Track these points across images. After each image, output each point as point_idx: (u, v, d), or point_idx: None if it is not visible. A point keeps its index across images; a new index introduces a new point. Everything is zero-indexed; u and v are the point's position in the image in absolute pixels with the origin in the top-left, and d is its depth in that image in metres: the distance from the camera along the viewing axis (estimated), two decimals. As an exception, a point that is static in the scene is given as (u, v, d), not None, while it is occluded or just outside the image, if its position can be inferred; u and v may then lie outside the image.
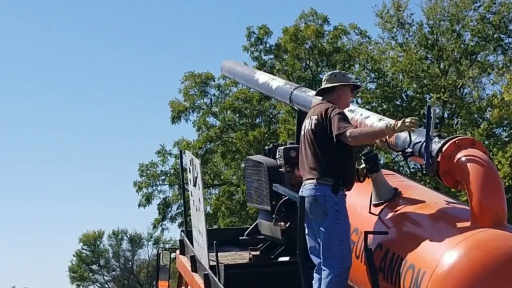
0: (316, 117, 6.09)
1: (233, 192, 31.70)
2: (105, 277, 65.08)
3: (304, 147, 6.19)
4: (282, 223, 7.35)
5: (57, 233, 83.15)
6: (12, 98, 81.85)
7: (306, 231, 6.05)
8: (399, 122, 5.76)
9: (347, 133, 5.81)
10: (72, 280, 64.58)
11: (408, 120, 5.73)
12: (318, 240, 5.97)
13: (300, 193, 6.07)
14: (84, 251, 64.84)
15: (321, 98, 6.42)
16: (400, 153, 6.31)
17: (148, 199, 33.28)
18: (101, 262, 64.69)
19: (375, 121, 6.74)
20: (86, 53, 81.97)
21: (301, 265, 5.93)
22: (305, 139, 6.18)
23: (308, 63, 30.89)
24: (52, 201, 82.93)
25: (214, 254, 7.38)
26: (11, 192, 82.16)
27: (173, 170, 32.80)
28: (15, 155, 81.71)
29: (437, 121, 29.13)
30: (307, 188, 5.98)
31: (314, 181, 5.95)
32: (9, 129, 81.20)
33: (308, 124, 6.18)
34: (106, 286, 65.05)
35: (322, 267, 5.91)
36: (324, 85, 6.33)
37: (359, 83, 6.84)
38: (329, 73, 6.46)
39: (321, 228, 5.91)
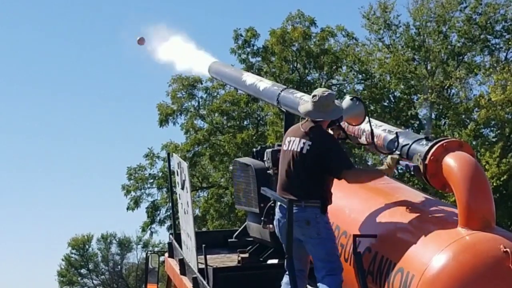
0: (310, 143, 5.98)
1: (221, 195, 31.67)
2: (94, 281, 64.93)
3: (287, 166, 6.09)
4: (271, 226, 7.33)
5: (45, 237, 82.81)
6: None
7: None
8: (391, 161, 5.98)
9: (351, 174, 5.94)
10: (61, 284, 64.41)
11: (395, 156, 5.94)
12: (311, 254, 6.07)
13: (278, 211, 6.10)
14: (73, 255, 64.67)
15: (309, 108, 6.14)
16: (387, 155, 6.31)
17: (136, 203, 33.21)
18: (90, 266, 64.54)
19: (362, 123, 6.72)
20: (73, 57, 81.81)
21: (289, 267, 5.93)
22: (290, 159, 6.07)
23: (295, 65, 30.90)
24: (40, 205, 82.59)
25: (202, 256, 7.37)
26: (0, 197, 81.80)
27: (161, 173, 32.74)
28: (1, 159, 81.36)
29: (425, 122, 29.24)
30: (294, 211, 5.87)
31: (302, 203, 5.94)
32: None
33: (296, 145, 6.05)
34: (95, 289, 64.87)
35: (323, 277, 5.92)
36: (332, 108, 6.10)
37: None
38: (328, 94, 6.12)
39: (316, 247, 5.99)
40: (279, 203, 6.17)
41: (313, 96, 6.12)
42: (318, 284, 5.97)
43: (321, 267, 5.96)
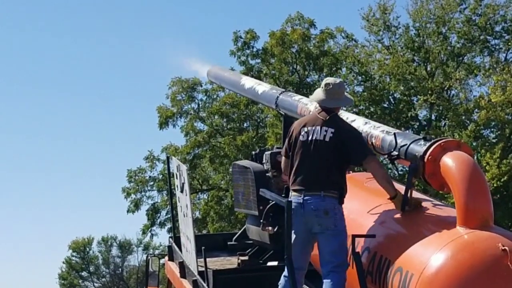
0: (333, 130, 5.98)
1: (221, 197, 31.66)
2: (95, 284, 64.98)
3: (307, 156, 6.03)
4: (270, 228, 7.36)
5: (46, 239, 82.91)
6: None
7: (294, 237, 6.02)
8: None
9: (375, 161, 6.00)
10: (62, 287, 64.43)
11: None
12: (321, 247, 5.99)
13: (293, 201, 5.98)
14: (73, 258, 64.72)
15: (319, 100, 6.22)
16: (386, 156, 6.32)
17: (136, 205, 33.20)
18: (91, 268, 64.59)
19: (360, 124, 6.74)
20: (74, 58, 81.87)
21: (289, 269, 5.93)
22: (311, 149, 6.02)
23: (295, 67, 30.89)
24: (41, 207, 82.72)
25: (202, 259, 7.37)
26: (0, 199, 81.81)
27: (161, 175, 32.73)
28: (1, 161, 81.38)
29: (424, 123, 29.22)
30: (313, 200, 5.90)
31: (321, 193, 5.92)
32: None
33: (318, 133, 6.02)
34: (96, 292, 64.89)
35: (330, 272, 5.88)
36: (344, 96, 6.27)
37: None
38: (340, 82, 6.30)
39: (331, 239, 5.92)
40: (293, 192, 6.06)
41: (326, 85, 6.19)
42: (324, 279, 5.93)
43: (329, 261, 5.89)
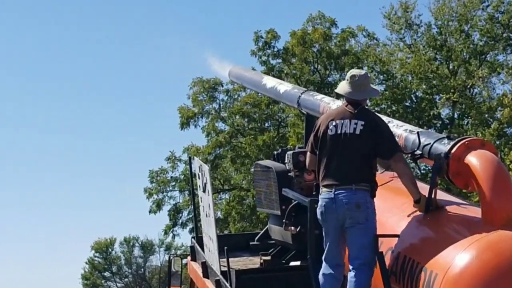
0: (362, 122, 5.89)
1: (243, 197, 31.67)
2: (117, 284, 65.34)
3: (336, 150, 5.95)
4: (292, 228, 7.34)
5: (69, 240, 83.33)
6: (27, 102, 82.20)
7: (328, 235, 5.98)
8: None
9: (403, 160, 5.92)
10: (85, 287, 64.81)
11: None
12: (351, 242, 5.90)
13: (324, 197, 5.94)
14: (96, 258, 65.10)
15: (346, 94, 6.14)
16: (409, 155, 6.27)
17: (158, 205, 33.27)
18: (113, 269, 64.92)
19: None
20: (97, 59, 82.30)
21: (312, 269, 5.90)
22: (340, 142, 5.94)
23: (316, 66, 30.86)
24: (64, 209, 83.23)
25: (225, 259, 7.36)
26: (24, 200, 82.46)
27: (183, 176, 32.79)
28: (26, 162, 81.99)
29: (447, 122, 29.06)
30: (344, 194, 5.84)
31: (352, 186, 5.85)
32: (21, 135, 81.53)
33: (347, 127, 5.94)
34: (119, 293, 65.20)
35: (357, 269, 5.81)
36: (370, 87, 6.24)
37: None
38: (365, 73, 6.28)
39: (361, 233, 5.84)
40: (324, 188, 5.98)
41: (352, 77, 6.11)
42: (349, 274, 5.86)
43: (356, 257, 5.82)
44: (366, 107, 6.23)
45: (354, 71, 6.23)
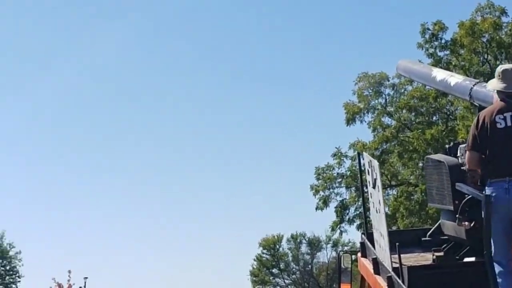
0: None
1: (411, 192, 31.20)
2: (285, 281, 66.11)
3: (507, 142, 6.01)
4: (467, 223, 7.15)
5: (238, 238, 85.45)
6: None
7: (498, 228, 5.84)
8: None
9: None
10: (253, 284, 66.12)
11: None
12: None
13: (496, 188, 5.89)
14: (264, 255, 66.16)
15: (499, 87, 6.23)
16: None
17: (325, 202, 33.35)
18: (281, 265, 65.75)
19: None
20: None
21: (489, 265, 5.71)
22: (511, 134, 6.00)
23: (486, 57, 29.98)
24: (233, 207, 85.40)
25: (396, 256, 7.26)
26: (201, 201, 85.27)
27: (349, 172, 32.74)
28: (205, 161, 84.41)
29: None
30: None
31: None
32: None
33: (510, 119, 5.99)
34: (287, 289, 66.02)
35: None
36: None
37: None
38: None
39: None
40: (495, 179, 5.97)
41: (504, 71, 6.26)
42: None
43: None
44: None
45: (505, 66, 6.30)
